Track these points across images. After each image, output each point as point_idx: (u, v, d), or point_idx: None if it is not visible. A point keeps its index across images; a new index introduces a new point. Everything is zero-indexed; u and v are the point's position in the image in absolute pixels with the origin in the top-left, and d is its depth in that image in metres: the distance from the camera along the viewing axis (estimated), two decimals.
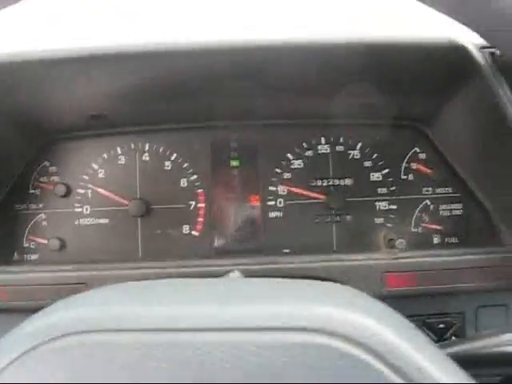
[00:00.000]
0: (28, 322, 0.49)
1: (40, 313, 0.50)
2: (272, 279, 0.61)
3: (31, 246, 1.20)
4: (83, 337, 0.44)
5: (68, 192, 1.19)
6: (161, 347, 0.43)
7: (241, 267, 1.03)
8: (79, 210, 1.20)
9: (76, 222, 1.20)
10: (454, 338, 1.09)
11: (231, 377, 0.42)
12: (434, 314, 1.10)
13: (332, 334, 0.43)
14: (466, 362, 0.52)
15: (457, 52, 0.94)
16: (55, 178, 1.21)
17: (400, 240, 1.10)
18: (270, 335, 0.43)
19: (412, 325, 0.51)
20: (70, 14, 1.12)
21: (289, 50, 0.95)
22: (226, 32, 0.97)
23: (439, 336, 1.09)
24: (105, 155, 1.21)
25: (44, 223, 1.20)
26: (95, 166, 1.20)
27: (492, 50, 0.92)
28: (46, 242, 1.19)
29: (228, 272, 0.99)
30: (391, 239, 1.14)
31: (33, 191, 1.21)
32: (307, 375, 0.42)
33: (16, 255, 1.20)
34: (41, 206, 1.21)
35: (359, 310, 0.47)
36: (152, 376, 0.42)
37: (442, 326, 1.10)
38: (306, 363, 0.42)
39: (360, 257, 1.08)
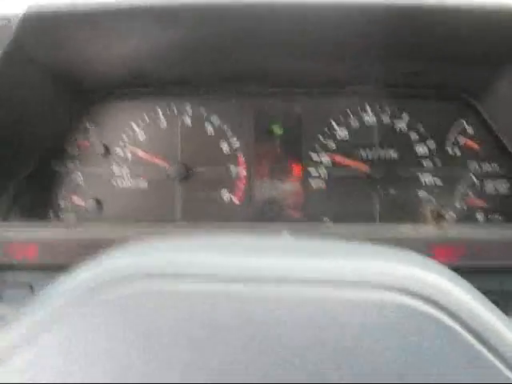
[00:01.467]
0: (86, 267, 0.46)
1: (98, 258, 0.48)
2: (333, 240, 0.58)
3: (67, 206, 1.19)
4: (149, 282, 0.42)
5: (106, 152, 1.18)
6: (240, 297, 0.41)
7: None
8: (117, 171, 1.18)
9: (114, 184, 1.18)
10: None
11: (315, 331, 0.40)
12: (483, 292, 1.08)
13: (418, 295, 0.42)
14: None
15: (509, 18, 0.90)
16: (94, 138, 1.19)
17: (446, 214, 1.08)
18: (356, 291, 0.41)
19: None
20: None
21: (335, 11, 0.92)
22: None
23: None
24: (145, 116, 1.18)
25: (81, 183, 1.19)
26: (135, 127, 1.18)
27: None
28: (82, 202, 1.18)
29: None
30: (436, 213, 1.11)
31: (71, 150, 1.19)
32: (391, 335, 0.40)
33: (52, 214, 1.19)
34: (78, 165, 1.19)
35: (442, 276, 0.45)
36: (225, 327, 0.40)
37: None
38: (391, 323, 0.40)
39: (405, 228, 1.05)
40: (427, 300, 0.42)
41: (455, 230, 1.06)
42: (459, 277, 0.50)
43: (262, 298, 0.41)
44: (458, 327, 0.41)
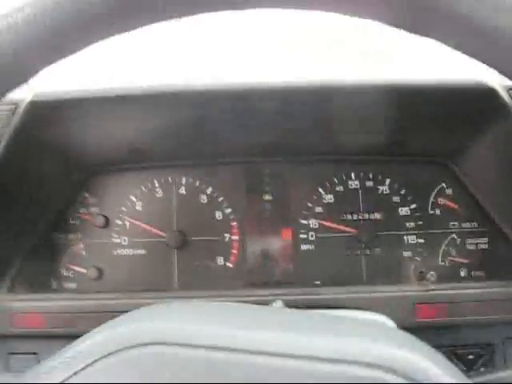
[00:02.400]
0: (95, 333, 0.51)
1: (107, 324, 0.52)
2: (322, 311, 0.64)
3: (70, 275, 1.24)
4: (156, 348, 0.47)
5: (106, 223, 1.24)
6: (230, 366, 0.46)
7: (276, 298, 1.06)
8: (117, 240, 1.24)
9: (114, 253, 1.24)
10: (482, 368, 1.11)
11: None
12: (464, 345, 1.12)
13: (398, 373, 0.46)
14: None
15: (485, 94, 0.99)
16: (94, 210, 1.26)
17: (431, 272, 1.14)
18: (340, 367, 0.47)
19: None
20: (113, 55, 1.19)
21: (319, 91, 1.01)
22: (259, 73, 1.03)
23: (469, 366, 1.11)
24: (143, 188, 1.26)
25: (82, 253, 1.25)
26: (133, 199, 1.25)
27: None
28: (84, 271, 1.24)
29: (266, 302, 1.03)
30: (422, 272, 1.17)
31: (73, 222, 1.25)
32: None
33: (54, 283, 1.24)
34: (80, 236, 1.25)
35: (419, 353, 0.50)
36: None
37: (471, 356, 1.12)
38: None
39: (390, 288, 1.11)
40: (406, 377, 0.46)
41: (438, 288, 1.11)
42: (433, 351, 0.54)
43: (245, 366, 0.46)
44: None
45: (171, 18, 0.44)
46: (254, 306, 0.64)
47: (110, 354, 0.47)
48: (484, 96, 1.00)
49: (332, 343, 0.49)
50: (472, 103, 1.02)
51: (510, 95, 0.99)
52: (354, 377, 0.46)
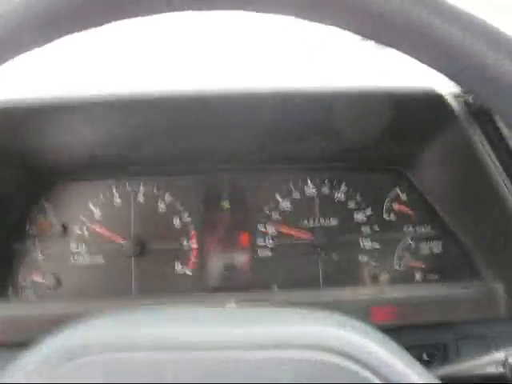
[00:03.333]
0: (41, 345, 0.52)
1: (51, 336, 0.53)
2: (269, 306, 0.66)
3: (27, 284, 1.24)
4: (102, 356, 0.48)
5: (65, 231, 1.24)
6: (174, 364, 0.48)
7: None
8: (75, 249, 1.24)
9: (72, 261, 1.24)
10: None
11: None
12: (418, 346, 1.15)
13: (335, 351, 0.49)
14: None
15: (434, 101, 1.02)
16: (53, 218, 1.25)
17: (384, 276, 1.17)
18: (279, 352, 0.49)
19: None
20: (64, 61, 1.19)
21: (275, 99, 1.02)
22: (219, 80, 1.05)
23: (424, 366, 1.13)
24: (101, 196, 1.26)
25: (40, 261, 1.24)
26: (92, 207, 1.25)
27: (466, 97, 1.01)
28: (41, 279, 1.23)
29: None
30: (375, 275, 1.20)
31: (30, 230, 1.25)
32: None
33: (11, 291, 1.23)
34: (37, 243, 1.25)
35: (357, 331, 0.52)
36: None
37: (425, 357, 1.14)
38: (312, 379, 0.47)
39: (346, 292, 1.13)
40: (340, 354, 0.49)
41: (392, 291, 1.14)
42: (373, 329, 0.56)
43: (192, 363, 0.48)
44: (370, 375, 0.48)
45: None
46: (202, 307, 0.65)
47: (57, 365, 0.48)
48: (432, 103, 1.03)
49: (269, 331, 0.51)
50: (421, 110, 1.06)
51: (458, 102, 1.03)
52: (289, 359, 0.48)
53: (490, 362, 0.83)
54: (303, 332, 0.51)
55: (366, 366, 0.48)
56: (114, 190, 1.26)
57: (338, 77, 1.08)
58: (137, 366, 0.48)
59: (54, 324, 1.08)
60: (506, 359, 0.81)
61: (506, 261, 1.10)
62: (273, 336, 0.50)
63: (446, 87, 1.03)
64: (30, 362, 0.50)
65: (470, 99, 1.01)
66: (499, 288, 1.12)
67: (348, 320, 0.57)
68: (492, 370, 0.84)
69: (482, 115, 1.01)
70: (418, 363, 0.53)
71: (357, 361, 0.48)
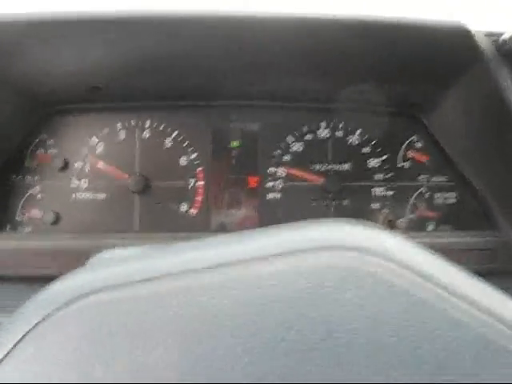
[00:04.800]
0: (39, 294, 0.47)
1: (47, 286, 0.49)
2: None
3: (25, 219, 1.19)
4: (96, 297, 0.43)
5: (65, 165, 1.19)
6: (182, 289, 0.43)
7: None
8: (76, 183, 1.19)
9: (72, 196, 1.19)
10: None
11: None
12: None
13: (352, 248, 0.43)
14: None
15: (461, 37, 0.96)
16: (53, 151, 1.20)
17: (401, 220, 1.13)
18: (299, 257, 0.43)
19: None
20: None
21: (287, 26, 0.95)
22: (229, 5, 0.98)
23: None
24: (105, 130, 1.20)
25: (39, 196, 1.19)
26: (95, 141, 1.20)
27: (497, 36, 0.95)
28: (40, 215, 1.18)
29: None
30: (390, 220, 1.16)
31: (29, 163, 1.20)
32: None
33: (9, 227, 1.18)
34: (37, 178, 1.19)
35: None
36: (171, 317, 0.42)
37: None
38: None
39: None
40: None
41: (407, 236, 1.10)
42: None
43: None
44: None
45: None
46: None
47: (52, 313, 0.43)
48: (459, 39, 0.97)
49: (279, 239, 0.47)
50: (445, 47, 0.99)
51: (488, 41, 0.97)
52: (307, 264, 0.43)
53: None
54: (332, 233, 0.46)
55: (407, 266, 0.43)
56: (119, 124, 1.20)
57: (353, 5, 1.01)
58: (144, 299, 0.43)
59: (53, 257, 1.05)
60: None
61: None
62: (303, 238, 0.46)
63: (477, 25, 0.97)
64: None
65: (502, 39, 0.95)
66: None
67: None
68: None
69: None
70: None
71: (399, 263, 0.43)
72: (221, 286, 0.43)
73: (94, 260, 0.55)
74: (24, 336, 0.41)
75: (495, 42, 0.96)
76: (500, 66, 0.96)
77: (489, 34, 0.97)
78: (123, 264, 0.47)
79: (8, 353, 0.41)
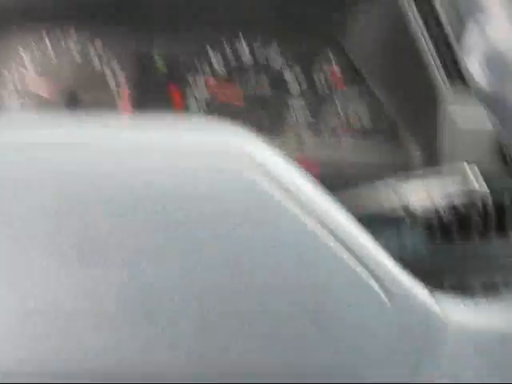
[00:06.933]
0: None
1: None
2: None
3: None
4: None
5: None
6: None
7: None
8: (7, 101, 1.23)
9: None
10: None
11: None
12: None
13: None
14: None
15: None
16: None
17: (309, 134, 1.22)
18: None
19: None
20: None
21: None
22: None
23: None
24: (33, 46, 1.23)
25: None
26: (23, 56, 1.23)
27: None
28: None
29: None
30: (300, 134, 1.25)
31: None
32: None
33: None
34: None
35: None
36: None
37: None
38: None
39: None
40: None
41: (316, 150, 1.19)
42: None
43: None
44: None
45: None
46: None
47: None
48: None
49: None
50: None
51: None
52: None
53: None
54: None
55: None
56: (46, 39, 1.24)
57: None
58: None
59: None
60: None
61: (425, 132, 1.15)
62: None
63: None
64: None
65: None
66: (417, 156, 1.19)
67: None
68: None
69: None
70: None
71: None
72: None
73: None
74: None
75: None
76: None
77: None
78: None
79: None
